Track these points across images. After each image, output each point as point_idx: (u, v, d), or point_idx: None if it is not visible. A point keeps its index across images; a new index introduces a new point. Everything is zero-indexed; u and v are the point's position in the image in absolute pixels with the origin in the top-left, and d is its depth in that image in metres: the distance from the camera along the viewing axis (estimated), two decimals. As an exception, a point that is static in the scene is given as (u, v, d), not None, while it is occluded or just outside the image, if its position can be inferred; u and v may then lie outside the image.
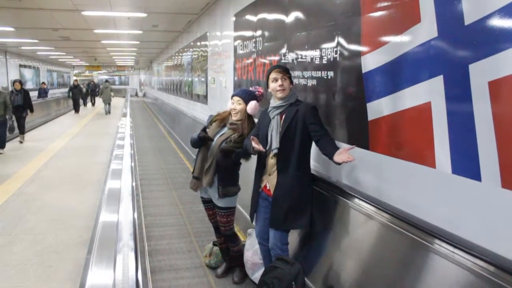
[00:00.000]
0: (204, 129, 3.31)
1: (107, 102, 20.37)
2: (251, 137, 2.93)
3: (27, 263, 3.92)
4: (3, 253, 4.12)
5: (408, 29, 2.33)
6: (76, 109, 20.95)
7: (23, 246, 4.29)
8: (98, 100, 26.23)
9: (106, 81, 24.43)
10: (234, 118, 3.31)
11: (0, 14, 9.48)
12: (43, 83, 23.44)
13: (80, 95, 21.26)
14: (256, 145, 2.84)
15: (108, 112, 20.28)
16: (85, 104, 25.62)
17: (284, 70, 3.00)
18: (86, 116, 19.38)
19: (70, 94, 20.86)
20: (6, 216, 5.18)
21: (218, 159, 3.24)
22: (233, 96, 3.34)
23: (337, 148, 2.65)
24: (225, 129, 3.34)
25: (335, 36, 3.15)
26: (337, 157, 2.55)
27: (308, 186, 3.05)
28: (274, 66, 3.05)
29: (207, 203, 3.51)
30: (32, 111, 11.19)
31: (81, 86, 24.13)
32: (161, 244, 4.33)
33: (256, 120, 3.35)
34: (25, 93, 10.98)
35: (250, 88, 3.41)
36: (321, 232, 3.17)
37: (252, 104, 3.27)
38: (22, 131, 11.20)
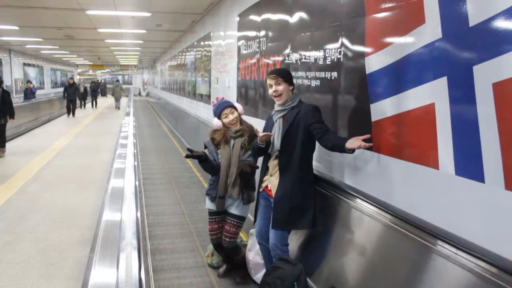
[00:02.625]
0: (190, 150, 3.27)
1: (118, 99, 23.83)
2: (255, 129, 3.01)
3: (29, 261, 3.93)
4: (6, 251, 4.14)
5: (412, 30, 2.33)
6: (70, 111, 18.56)
7: (26, 245, 4.30)
8: (100, 101, 25.99)
9: (117, 80, 28.36)
10: (235, 128, 3.35)
11: (4, 13, 9.52)
12: (29, 81, 20.28)
13: (75, 95, 18.93)
14: (260, 133, 2.91)
15: (118, 107, 23.43)
16: (83, 105, 23.58)
17: (279, 74, 3.00)
18: (83, 120, 17.14)
19: (65, 94, 18.49)
20: (9, 215, 5.19)
21: (244, 174, 3.25)
22: (223, 110, 3.31)
23: (345, 139, 2.66)
24: (232, 141, 3.37)
25: (339, 36, 3.15)
26: (350, 144, 2.55)
27: (310, 186, 3.05)
28: (269, 72, 3.07)
29: (215, 215, 3.49)
30: (12, 116, 9.08)
31: (78, 84, 22.48)
32: (164, 243, 4.33)
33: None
34: (4, 94, 8.70)
35: (221, 100, 3.43)
36: (323, 233, 3.17)
37: (239, 106, 3.41)
38: (1, 144, 8.89)
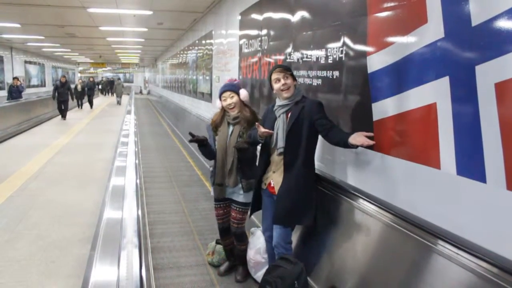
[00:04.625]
0: (192, 135, 3.28)
1: (119, 95, 25.38)
2: (256, 124, 2.96)
3: (30, 258, 3.94)
4: (7, 249, 4.14)
5: (414, 30, 2.33)
6: (63, 114, 16.14)
7: (27, 242, 4.31)
8: (96, 101, 25.42)
9: (119, 78, 32.13)
10: (232, 113, 3.32)
11: (6, 11, 9.52)
12: (16, 78, 16.84)
13: (68, 95, 16.23)
14: (262, 129, 2.88)
15: (119, 103, 24.89)
16: (79, 105, 21.36)
17: (285, 68, 3.02)
18: (76, 125, 14.64)
19: (56, 94, 15.83)
20: (10, 212, 5.19)
21: (239, 156, 3.25)
22: (222, 93, 3.33)
23: (349, 134, 2.65)
24: (231, 127, 3.35)
25: (341, 36, 3.14)
26: (354, 139, 2.55)
27: (312, 182, 3.05)
28: (274, 67, 3.07)
29: (220, 201, 3.49)
30: None
31: (81, 82, 20.92)
32: (164, 241, 4.33)
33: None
34: None
35: (228, 82, 3.42)
36: (324, 232, 3.17)
37: (243, 92, 3.33)
38: None
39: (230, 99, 3.28)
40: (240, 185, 3.32)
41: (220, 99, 3.35)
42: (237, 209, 3.40)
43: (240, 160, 3.26)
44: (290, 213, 2.97)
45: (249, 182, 3.32)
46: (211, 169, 3.54)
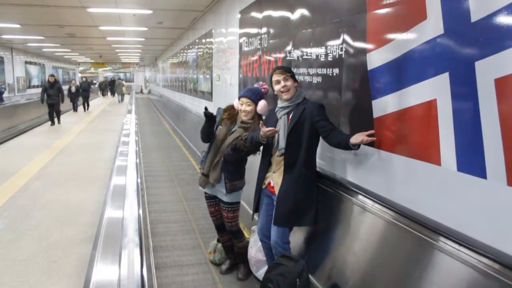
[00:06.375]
0: (206, 109, 3.25)
1: (120, 94, 27.03)
2: (261, 123, 2.94)
3: (32, 258, 3.94)
4: (9, 249, 4.15)
5: (414, 26, 2.32)
6: (52, 119, 14.12)
7: (29, 242, 4.31)
8: (96, 101, 25.19)
9: (119, 78, 34.76)
10: (245, 118, 3.30)
11: (6, 11, 9.53)
12: None
13: (58, 97, 14.10)
14: (265, 128, 2.85)
15: (120, 101, 26.47)
16: (74, 108, 19.39)
17: (285, 70, 3.03)
18: (74, 127, 13.45)
19: (44, 96, 13.88)
20: (12, 212, 5.20)
21: (227, 154, 3.25)
22: (241, 97, 3.31)
23: (349, 135, 2.68)
24: (236, 127, 3.34)
25: (340, 33, 3.14)
26: (355, 139, 2.59)
27: (313, 183, 3.05)
28: (274, 69, 3.08)
29: (211, 199, 3.52)
30: None
31: (69, 85, 18.94)
32: (166, 240, 4.34)
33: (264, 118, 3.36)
34: None
35: (255, 86, 3.40)
36: (326, 230, 3.17)
37: (262, 104, 3.27)
38: None
39: (247, 106, 3.26)
40: (223, 184, 3.32)
41: (239, 100, 3.33)
42: (225, 208, 3.41)
43: (225, 159, 3.27)
44: (290, 214, 2.98)
45: (233, 184, 3.32)
46: (203, 154, 3.54)
